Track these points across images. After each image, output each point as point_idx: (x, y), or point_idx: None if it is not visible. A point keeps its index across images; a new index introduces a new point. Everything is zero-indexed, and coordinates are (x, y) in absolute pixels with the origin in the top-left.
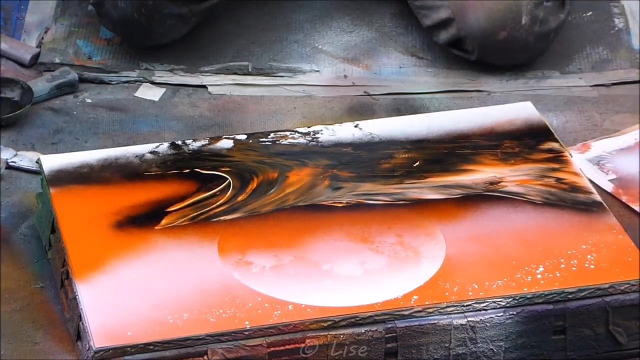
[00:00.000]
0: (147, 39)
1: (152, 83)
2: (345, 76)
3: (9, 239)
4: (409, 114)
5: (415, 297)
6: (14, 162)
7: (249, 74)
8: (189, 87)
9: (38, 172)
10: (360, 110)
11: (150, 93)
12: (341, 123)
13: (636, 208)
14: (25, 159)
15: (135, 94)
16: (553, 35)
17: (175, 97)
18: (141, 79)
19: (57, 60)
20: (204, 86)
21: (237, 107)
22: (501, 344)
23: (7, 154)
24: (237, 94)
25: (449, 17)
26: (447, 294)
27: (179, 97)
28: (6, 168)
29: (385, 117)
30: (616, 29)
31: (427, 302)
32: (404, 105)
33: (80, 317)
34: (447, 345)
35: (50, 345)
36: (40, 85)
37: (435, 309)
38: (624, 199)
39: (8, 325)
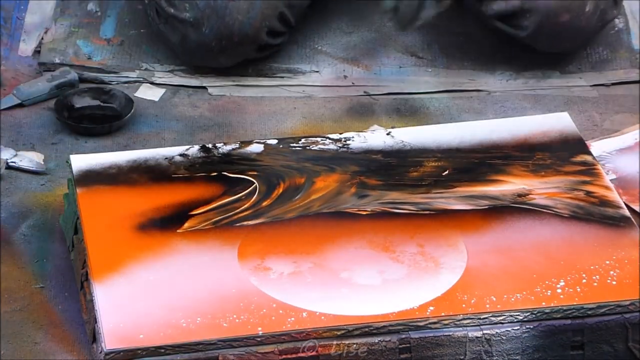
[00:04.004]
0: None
1: (152, 83)
2: (345, 76)
3: (9, 239)
4: (409, 114)
5: (431, 307)
6: (14, 162)
7: (249, 75)
8: (188, 88)
9: (38, 172)
10: (360, 110)
11: (150, 93)
12: (373, 130)
13: (636, 208)
14: (25, 159)
15: (135, 94)
16: (600, 28)
17: (175, 97)
18: (141, 79)
19: (57, 61)
20: (203, 87)
21: (237, 107)
22: (517, 357)
23: (7, 154)
24: (237, 94)
25: None
26: (464, 305)
27: (179, 98)
28: (6, 168)
29: (385, 117)
30: (616, 29)
31: (443, 314)
32: (403, 106)
33: (96, 320)
34: (461, 357)
35: (50, 345)
36: (40, 85)
37: (450, 320)
38: (624, 199)
39: (8, 325)
